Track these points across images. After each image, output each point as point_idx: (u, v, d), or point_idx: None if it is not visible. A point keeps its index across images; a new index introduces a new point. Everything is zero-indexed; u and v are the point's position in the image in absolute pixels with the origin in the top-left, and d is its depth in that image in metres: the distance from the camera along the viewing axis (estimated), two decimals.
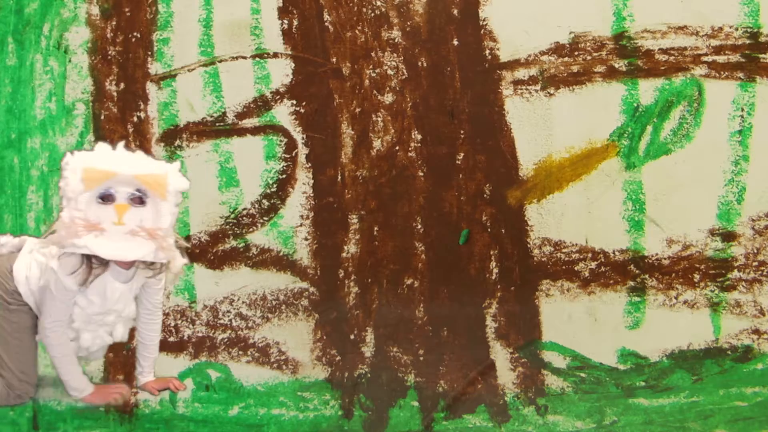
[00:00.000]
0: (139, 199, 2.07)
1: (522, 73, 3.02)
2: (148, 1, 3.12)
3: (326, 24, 3.08)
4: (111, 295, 2.20)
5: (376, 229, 3.06)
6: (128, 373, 2.92)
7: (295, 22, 3.09)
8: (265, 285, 3.09)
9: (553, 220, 3.01)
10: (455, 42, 3.04)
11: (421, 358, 3.05)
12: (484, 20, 3.03)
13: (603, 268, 3.01)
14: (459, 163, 3.04)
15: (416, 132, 3.05)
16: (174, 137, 3.13)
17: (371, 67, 3.06)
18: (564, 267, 3.02)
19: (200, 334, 3.10)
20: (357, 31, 3.07)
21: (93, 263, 2.14)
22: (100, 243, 2.05)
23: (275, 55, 3.10)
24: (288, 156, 3.10)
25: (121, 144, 2.14)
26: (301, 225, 3.10)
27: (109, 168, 2.06)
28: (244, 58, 3.11)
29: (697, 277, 2.98)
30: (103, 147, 2.14)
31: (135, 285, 2.24)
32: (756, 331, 2.97)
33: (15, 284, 2.23)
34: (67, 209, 2.07)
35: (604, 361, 3.00)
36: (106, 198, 2.05)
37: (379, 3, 3.06)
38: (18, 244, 2.37)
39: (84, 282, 2.14)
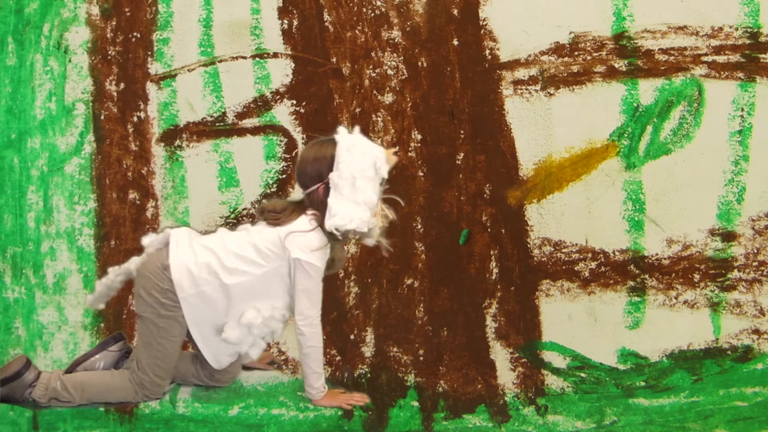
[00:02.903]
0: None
1: (522, 73, 3.02)
2: (148, 1, 3.12)
3: (326, 24, 3.08)
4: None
5: None
6: None
7: (295, 22, 3.09)
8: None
9: (553, 220, 3.01)
10: (455, 42, 3.04)
11: (421, 358, 3.05)
12: (484, 20, 3.03)
13: (603, 268, 3.01)
14: (459, 163, 3.04)
15: (416, 132, 3.05)
16: (174, 137, 3.13)
17: (371, 67, 3.06)
18: (564, 267, 3.02)
19: None
20: (357, 31, 3.07)
21: (334, 247, 2.25)
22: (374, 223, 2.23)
23: (275, 55, 3.10)
24: (288, 156, 3.10)
25: (357, 128, 2.26)
26: None
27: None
28: (244, 58, 3.11)
29: (697, 277, 2.98)
30: (344, 130, 2.24)
31: None
32: (756, 331, 2.97)
33: (170, 282, 2.19)
34: (362, 193, 2.15)
35: (604, 361, 3.00)
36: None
37: (379, 3, 3.06)
38: (163, 239, 2.33)
39: (329, 265, 2.25)
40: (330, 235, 2.19)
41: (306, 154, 2.27)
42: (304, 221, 2.22)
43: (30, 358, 2.31)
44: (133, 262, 2.36)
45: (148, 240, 2.36)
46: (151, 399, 2.32)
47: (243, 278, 2.19)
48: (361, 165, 2.14)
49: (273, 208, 2.29)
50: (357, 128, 2.23)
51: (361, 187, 2.13)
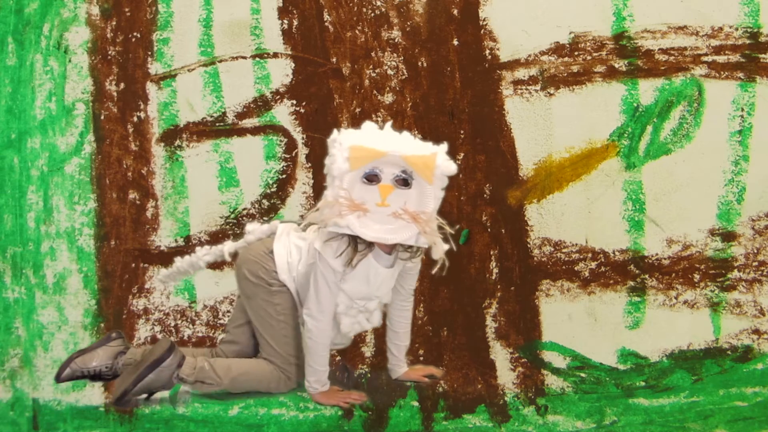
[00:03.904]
0: (403, 181, 2.00)
1: (522, 73, 3.02)
2: (148, 1, 3.12)
3: (326, 24, 3.08)
4: (374, 280, 2.15)
5: None
6: None
7: (295, 22, 3.09)
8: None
9: (553, 220, 3.01)
10: (455, 42, 3.04)
11: (421, 358, 3.05)
12: (484, 20, 3.03)
13: (603, 268, 3.01)
14: (459, 163, 3.04)
15: (416, 132, 3.05)
16: (174, 137, 3.13)
17: (371, 67, 3.06)
18: (564, 267, 3.02)
19: (200, 334, 3.10)
20: (357, 31, 3.07)
21: (358, 244, 2.08)
22: (363, 224, 1.99)
23: (275, 55, 3.10)
24: (288, 156, 3.10)
25: (388, 124, 2.08)
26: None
27: (377, 147, 1.99)
28: (244, 58, 3.11)
29: (697, 277, 2.98)
30: (370, 126, 2.07)
31: (396, 270, 2.18)
32: (756, 331, 2.97)
33: (275, 266, 2.18)
34: (331, 188, 2.01)
35: (604, 361, 3.00)
36: (371, 178, 1.99)
37: (379, 3, 3.06)
38: (268, 230, 2.31)
39: (349, 263, 2.08)
40: (350, 237, 2.10)
41: None
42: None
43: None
44: (227, 245, 2.34)
45: (251, 227, 2.34)
46: (291, 387, 2.26)
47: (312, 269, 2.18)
48: (329, 161, 2.05)
49: None
50: (388, 123, 2.09)
51: (330, 185, 2.05)
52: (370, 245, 2.10)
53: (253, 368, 2.27)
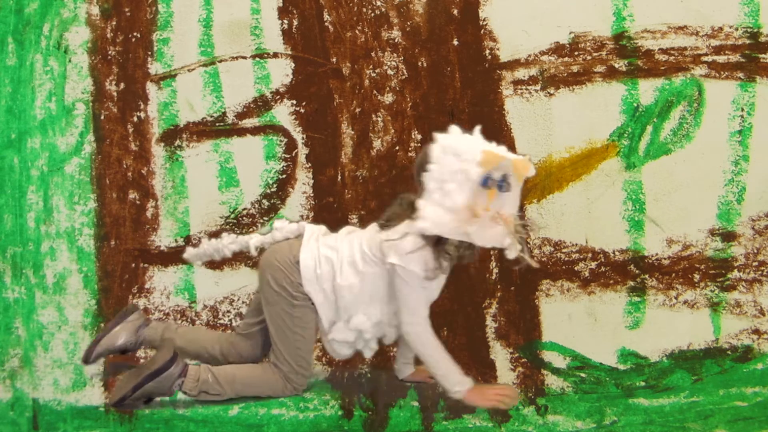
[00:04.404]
0: (506, 186, 2.02)
1: (522, 73, 3.01)
2: (148, 1, 3.12)
3: (326, 24, 3.08)
4: (440, 284, 2.17)
5: None
6: None
7: (295, 22, 3.09)
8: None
9: (553, 220, 3.00)
10: (455, 42, 3.04)
11: None
12: (484, 20, 3.03)
13: (603, 268, 3.01)
14: None
15: (416, 132, 3.05)
16: (174, 137, 3.13)
17: (371, 67, 3.06)
18: (564, 267, 3.02)
19: None
20: (357, 31, 3.07)
21: (446, 251, 2.08)
22: (476, 230, 2.00)
23: (275, 55, 3.10)
24: (288, 156, 3.10)
25: (477, 129, 2.10)
26: None
27: (500, 152, 2.02)
28: (244, 58, 3.11)
29: (697, 277, 2.98)
30: (457, 129, 2.08)
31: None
32: (756, 331, 2.97)
33: (301, 278, 2.17)
34: (447, 196, 2.00)
35: (604, 361, 3.00)
36: (490, 184, 2.00)
37: (379, 3, 3.06)
38: (296, 230, 2.30)
39: (439, 269, 2.08)
40: (430, 240, 2.09)
41: (421, 153, 2.18)
42: (404, 226, 2.14)
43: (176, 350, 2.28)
44: (254, 238, 2.33)
45: (279, 224, 2.33)
46: (298, 392, 2.28)
47: (352, 281, 2.16)
48: (452, 167, 2.02)
49: (387, 212, 2.23)
50: (477, 128, 2.11)
51: (449, 191, 2.02)
52: (471, 249, 2.10)
53: (257, 377, 2.27)
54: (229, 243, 2.37)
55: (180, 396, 3.07)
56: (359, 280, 2.16)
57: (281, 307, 2.20)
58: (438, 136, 2.07)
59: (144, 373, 2.18)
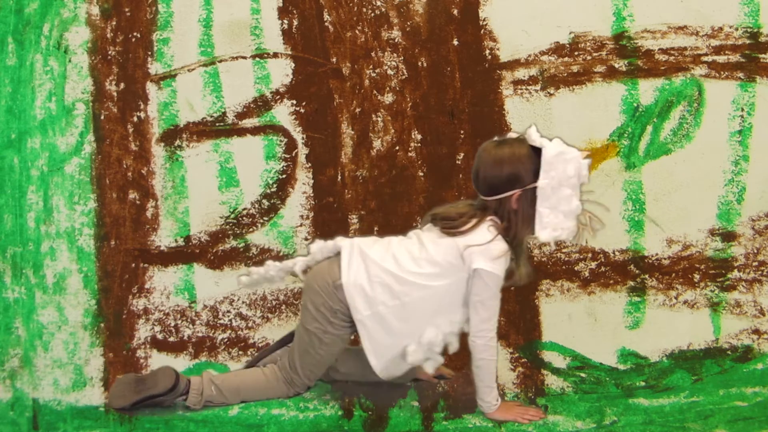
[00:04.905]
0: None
1: (522, 73, 3.01)
2: (148, 1, 3.12)
3: (326, 24, 3.08)
4: None
5: (376, 229, 3.06)
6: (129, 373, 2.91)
7: (295, 22, 3.09)
8: (265, 285, 3.09)
9: None
10: (455, 42, 3.04)
11: None
12: (484, 20, 3.03)
13: (603, 268, 3.01)
14: (459, 163, 3.04)
15: (416, 132, 3.05)
16: (174, 137, 3.13)
17: (371, 67, 3.06)
18: (564, 267, 3.02)
19: (200, 334, 3.10)
20: (357, 31, 3.07)
21: (515, 254, 2.18)
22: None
23: (275, 55, 3.10)
24: (288, 156, 3.10)
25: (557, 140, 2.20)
26: (301, 225, 3.09)
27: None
28: (244, 58, 3.11)
29: (697, 277, 2.98)
30: (535, 131, 2.17)
31: None
32: (756, 331, 2.97)
33: (341, 303, 2.15)
34: (565, 201, 2.10)
35: (604, 361, 3.00)
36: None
37: (379, 3, 3.06)
38: (333, 248, 2.28)
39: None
40: (511, 244, 2.13)
41: (495, 155, 2.17)
42: (483, 230, 2.14)
43: (177, 371, 2.31)
44: (299, 264, 2.33)
45: (316, 246, 2.33)
46: (299, 393, 2.36)
47: (421, 294, 2.14)
48: (566, 172, 2.09)
49: (447, 215, 2.22)
50: (558, 140, 2.22)
51: (565, 196, 2.10)
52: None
53: (261, 385, 2.29)
54: (276, 271, 2.38)
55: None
56: (429, 292, 2.13)
57: (316, 327, 2.19)
58: (545, 143, 2.12)
59: (143, 393, 2.20)
